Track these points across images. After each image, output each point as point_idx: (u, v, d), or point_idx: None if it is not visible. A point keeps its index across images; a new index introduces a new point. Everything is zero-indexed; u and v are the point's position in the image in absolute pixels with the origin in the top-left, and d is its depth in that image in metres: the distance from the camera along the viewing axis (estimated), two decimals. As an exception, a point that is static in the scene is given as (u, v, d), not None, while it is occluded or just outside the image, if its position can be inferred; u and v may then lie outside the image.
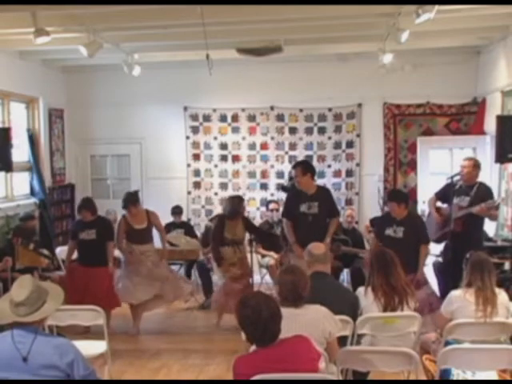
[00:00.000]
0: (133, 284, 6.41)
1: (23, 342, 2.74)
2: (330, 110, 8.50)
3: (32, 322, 2.81)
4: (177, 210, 8.10)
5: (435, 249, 6.53)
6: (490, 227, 6.81)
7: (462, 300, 4.04)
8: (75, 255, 6.56)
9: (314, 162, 8.37)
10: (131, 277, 6.43)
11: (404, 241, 5.63)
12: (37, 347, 2.73)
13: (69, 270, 6.51)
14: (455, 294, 4.12)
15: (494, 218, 6.03)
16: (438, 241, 6.32)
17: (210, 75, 5.97)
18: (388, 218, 5.93)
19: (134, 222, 6.42)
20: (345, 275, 7.58)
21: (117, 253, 6.62)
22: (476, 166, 6.07)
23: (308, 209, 6.01)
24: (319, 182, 8.24)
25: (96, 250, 6.28)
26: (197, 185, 8.90)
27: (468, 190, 6.04)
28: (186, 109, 8.77)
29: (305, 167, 6.12)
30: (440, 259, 6.51)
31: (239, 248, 6.48)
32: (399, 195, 6.11)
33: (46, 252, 6.85)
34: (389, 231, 5.75)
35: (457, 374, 3.68)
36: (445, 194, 6.22)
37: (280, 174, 8.60)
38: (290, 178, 6.99)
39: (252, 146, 8.72)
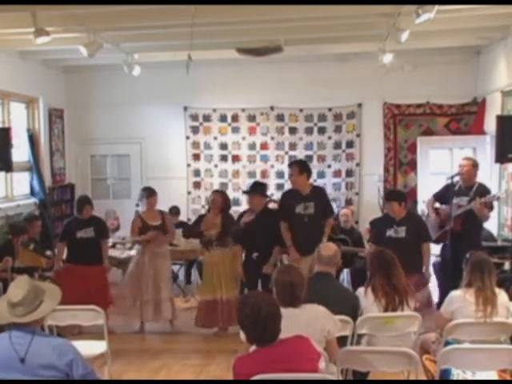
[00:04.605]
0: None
1: (21, 343, 2.74)
2: (330, 109, 8.50)
3: (30, 322, 2.81)
4: (174, 211, 8.08)
5: (435, 249, 6.53)
6: (492, 227, 6.82)
7: (462, 300, 4.04)
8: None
9: (314, 162, 8.39)
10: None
11: (407, 240, 5.58)
12: (35, 348, 2.73)
13: (63, 270, 6.45)
14: (455, 294, 4.12)
15: (485, 217, 6.02)
16: (436, 241, 6.31)
17: (187, 74, 6.07)
18: (387, 219, 5.86)
19: (148, 219, 6.53)
20: (345, 275, 7.57)
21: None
22: (474, 165, 6.15)
23: (304, 209, 5.88)
24: (319, 182, 8.29)
25: (93, 248, 6.40)
26: (197, 185, 8.89)
27: (467, 190, 6.07)
28: (185, 109, 8.76)
29: (302, 166, 6.05)
30: (439, 259, 6.51)
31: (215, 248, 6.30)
32: (399, 194, 6.14)
33: (45, 252, 6.83)
34: (390, 232, 5.68)
35: (457, 374, 3.68)
36: (443, 196, 6.23)
37: (280, 174, 8.59)
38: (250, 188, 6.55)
39: (252, 146, 8.71)
